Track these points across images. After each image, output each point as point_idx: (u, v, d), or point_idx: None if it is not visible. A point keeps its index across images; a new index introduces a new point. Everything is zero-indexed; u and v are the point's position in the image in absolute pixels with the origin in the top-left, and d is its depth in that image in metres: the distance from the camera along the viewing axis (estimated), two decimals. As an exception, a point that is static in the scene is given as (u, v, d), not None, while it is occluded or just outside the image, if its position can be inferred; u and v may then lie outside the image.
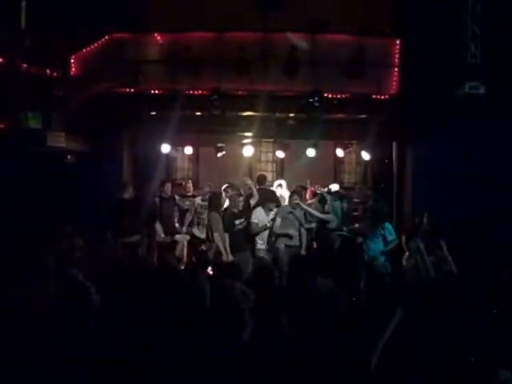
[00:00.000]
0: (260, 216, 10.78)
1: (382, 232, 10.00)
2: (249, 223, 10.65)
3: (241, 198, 10.90)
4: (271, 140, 14.36)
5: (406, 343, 5.48)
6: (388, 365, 5.45)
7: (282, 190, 12.44)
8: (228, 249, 10.37)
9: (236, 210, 10.65)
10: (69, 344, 5.72)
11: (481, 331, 5.17)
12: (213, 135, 13.06)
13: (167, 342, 5.62)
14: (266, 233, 10.89)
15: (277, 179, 13.50)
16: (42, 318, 5.69)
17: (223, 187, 11.44)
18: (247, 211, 10.87)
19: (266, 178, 12.49)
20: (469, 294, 5.97)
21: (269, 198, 11.22)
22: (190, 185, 12.58)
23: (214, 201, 10.95)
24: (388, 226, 10.09)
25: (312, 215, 10.89)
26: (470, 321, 5.30)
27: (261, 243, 10.76)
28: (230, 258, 10.21)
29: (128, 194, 11.08)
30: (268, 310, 5.99)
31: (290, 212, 10.76)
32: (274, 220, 10.74)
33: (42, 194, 11.41)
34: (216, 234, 10.41)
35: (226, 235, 10.45)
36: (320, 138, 12.66)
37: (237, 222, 10.58)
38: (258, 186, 11.96)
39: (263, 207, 10.86)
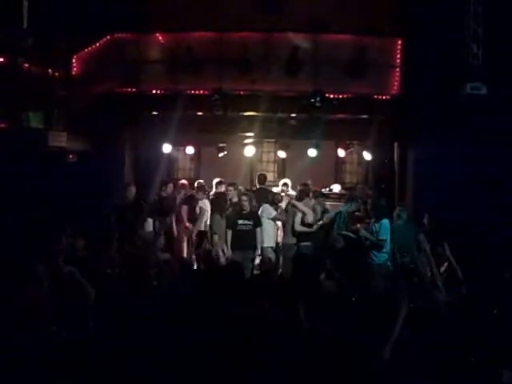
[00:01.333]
0: (272, 211, 10.86)
1: (377, 227, 9.94)
2: (255, 226, 10.62)
3: (245, 198, 10.85)
4: (273, 140, 14.37)
5: (408, 342, 5.47)
6: (389, 364, 5.44)
7: (287, 189, 12.43)
8: (228, 245, 10.37)
9: (244, 211, 10.61)
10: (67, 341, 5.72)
11: (481, 331, 5.17)
12: (214, 135, 13.06)
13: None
14: (273, 231, 10.90)
15: (278, 179, 13.49)
16: (41, 317, 5.69)
17: (215, 181, 11.75)
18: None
19: (267, 178, 12.51)
20: (470, 294, 5.97)
21: (268, 198, 11.26)
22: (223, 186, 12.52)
23: (218, 202, 10.93)
24: (386, 223, 10.01)
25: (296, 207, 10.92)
26: (471, 321, 5.30)
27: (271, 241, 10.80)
28: (229, 253, 10.21)
29: (131, 194, 11.00)
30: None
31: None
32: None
33: (44, 194, 11.40)
34: (216, 236, 10.40)
35: (229, 232, 10.45)
36: (321, 138, 12.65)
37: (240, 221, 10.55)
38: (258, 185, 12.02)
39: (271, 205, 10.93)
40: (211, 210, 11.05)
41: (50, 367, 5.43)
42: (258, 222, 10.59)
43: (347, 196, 11.68)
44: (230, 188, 11.65)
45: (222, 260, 10.08)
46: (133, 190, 11.04)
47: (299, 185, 11.81)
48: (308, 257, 9.63)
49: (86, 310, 6.39)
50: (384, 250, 9.90)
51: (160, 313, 5.91)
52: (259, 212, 10.83)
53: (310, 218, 10.87)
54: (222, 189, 11.95)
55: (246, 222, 10.57)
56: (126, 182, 12.02)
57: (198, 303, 6.05)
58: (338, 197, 12.81)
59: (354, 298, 5.81)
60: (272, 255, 10.71)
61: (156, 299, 6.21)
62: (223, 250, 10.38)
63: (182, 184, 12.39)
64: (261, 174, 12.59)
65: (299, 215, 10.70)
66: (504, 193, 11.25)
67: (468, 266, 8.48)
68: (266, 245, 10.71)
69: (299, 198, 11.01)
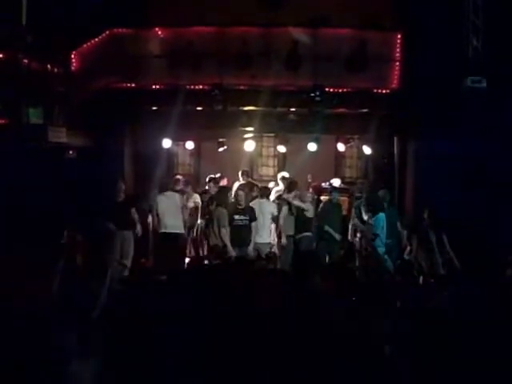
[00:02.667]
0: (274, 208, 10.96)
1: (374, 222, 10.02)
2: (251, 221, 10.62)
3: (241, 193, 10.90)
4: (273, 135, 14.36)
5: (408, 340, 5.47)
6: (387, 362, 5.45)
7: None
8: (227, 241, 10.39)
9: (240, 206, 10.62)
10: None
11: (481, 330, 5.17)
12: (214, 130, 13.07)
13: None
14: (268, 226, 10.93)
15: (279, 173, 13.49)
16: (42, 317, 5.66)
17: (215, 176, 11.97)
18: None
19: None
20: (471, 293, 5.96)
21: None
22: (225, 180, 12.64)
23: (221, 196, 10.95)
24: (381, 217, 10.08)
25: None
26: (471, 320, 5.30)
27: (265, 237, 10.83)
28: (230, 250, 10.21)
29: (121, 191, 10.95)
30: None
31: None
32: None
33: (43, 190, 11.40)
34: (224, 230, 10.39)
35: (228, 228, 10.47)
36: (321, 133, 12.64)
37: (236, 217, 10.56)
38: (248, 179, 12.34)
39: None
40: (216, 203, 11.03)
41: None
42: (253, 217, 10.60)
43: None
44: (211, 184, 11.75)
45: (233, 254, 10.10)
46: (122, 186, 10.99)
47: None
48: (306, 253, 9.70)
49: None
50: (380, 243, 9.98)
51: (160, 311, 5.91)
52: (257, 207, 10.86)
53: (310, 213, 10.94)
54: (224, 182, 12.07)
55: (243, 217, 10.58)
56: (115, 178, 11.91)
57: (200, 301, 6.06)
58: (339, 191, 12.79)
59: (354, 298, 5.80)
60: (268, 251, 10.81)
61: (157, 298, 6.21)
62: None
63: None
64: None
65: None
66: (505, 188, 11.25)
67: (469, 262, 8.50)
68: (265, 241, 10.75)
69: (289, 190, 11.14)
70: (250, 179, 12.73)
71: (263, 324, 5.49)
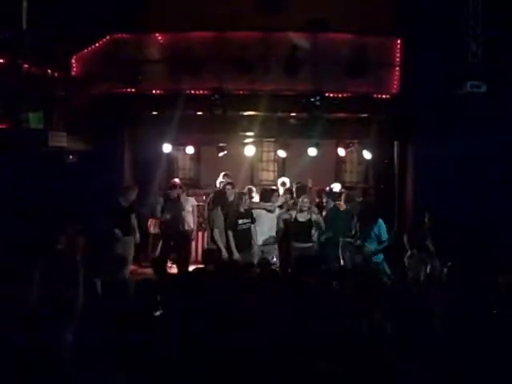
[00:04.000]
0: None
1: (377, 232, 10.01)
2: (252, 223, 10.60)
3: (247, 197, 10.87)
4: (273, 139, 14.36)
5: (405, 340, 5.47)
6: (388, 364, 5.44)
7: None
8: (233, 246, 10.32)
9: (242, 209, 10.59)
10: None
11: (481, 331, 5.17)
12: (214, 135, 13.05)
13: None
14: (274, 229, 10.94)
15: (279, 178, 13.47)
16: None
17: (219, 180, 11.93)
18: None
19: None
20: (470, 294, 5.96)
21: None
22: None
23: (218, 198, 10.93)
24: (381, 223, 10.08)
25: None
26: (471, 321, 5.30)
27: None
28: (236, 256, 10.16)
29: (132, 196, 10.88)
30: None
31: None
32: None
33: (44, 194, 11.41)
34: (216, 231, 10.38)
35: (230, 233, 10.40)
36: (321, 138, 12.65)
37: (240, 221, 10.52)
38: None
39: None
40: (213, 205, 10.99)
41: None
42: (254, 219, 10.61)
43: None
44: (229, 187, 11.68)
45: (225, 257, 10.08)
46: (135, 192, 10.87)
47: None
48: (301, 257, 9.69)
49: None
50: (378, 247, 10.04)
51: (157, 313, 5.90)
52: (262, 210, 10.86)
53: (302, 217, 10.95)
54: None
55: (245, 220, 10.54)
56: (128, 184, 11.89)
57: (199, 303, 6.05)
58: (338, 195, 12.78)
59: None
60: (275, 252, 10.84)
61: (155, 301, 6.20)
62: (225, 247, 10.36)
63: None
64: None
65: None
66: (504, 192, 11.25)
67: (467, 265, 8.48)
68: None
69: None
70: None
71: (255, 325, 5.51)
